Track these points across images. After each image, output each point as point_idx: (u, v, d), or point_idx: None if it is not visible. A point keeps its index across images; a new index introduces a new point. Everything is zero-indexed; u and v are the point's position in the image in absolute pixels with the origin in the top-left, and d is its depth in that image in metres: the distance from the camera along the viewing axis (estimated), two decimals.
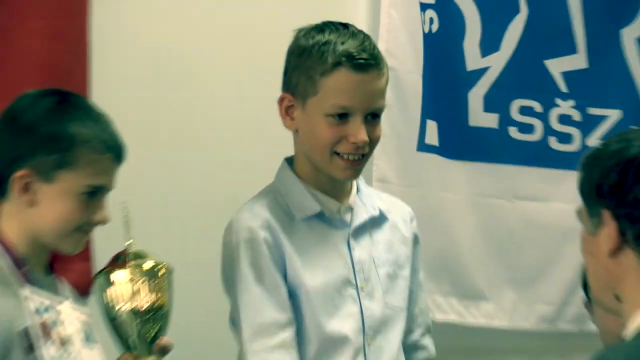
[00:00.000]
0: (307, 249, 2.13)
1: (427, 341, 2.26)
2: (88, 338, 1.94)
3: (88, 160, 1.90)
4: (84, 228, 1.95)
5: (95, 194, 1.93)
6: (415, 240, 2.26)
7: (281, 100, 2.09)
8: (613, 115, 2.86)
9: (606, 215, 1.51)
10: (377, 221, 2.17)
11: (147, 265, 1.96)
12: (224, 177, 2.60)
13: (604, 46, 2.88)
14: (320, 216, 2.12)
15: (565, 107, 2.85)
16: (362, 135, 2.03)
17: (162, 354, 1.96)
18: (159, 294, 1.97)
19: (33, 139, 1.90)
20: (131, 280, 1.94)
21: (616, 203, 1.50)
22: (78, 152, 1.90)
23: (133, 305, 1.94)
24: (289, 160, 2.17)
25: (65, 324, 1.92)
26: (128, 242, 1.95)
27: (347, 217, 2.14)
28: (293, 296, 2.13)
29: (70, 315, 1.95)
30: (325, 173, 2.11)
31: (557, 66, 2.86)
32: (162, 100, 2.68)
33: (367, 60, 2.04)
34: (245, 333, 2.10)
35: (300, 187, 2.15)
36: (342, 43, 2.05)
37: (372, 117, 2.07)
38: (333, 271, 2.10)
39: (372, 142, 2.09)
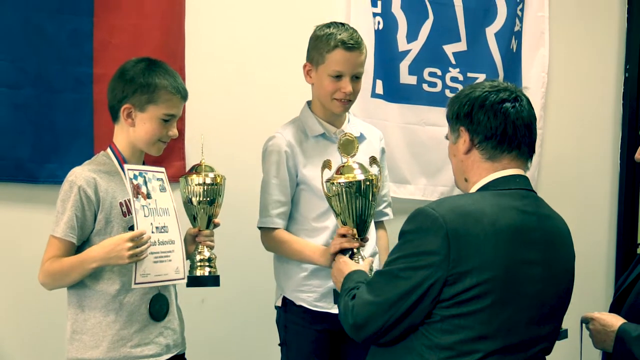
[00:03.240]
0: (313, 155, 2.64)
1: (388, 210, 2.88)
2: (161, 188, 2.38)
3: (164, 99, 2.37)
4: (162, 139, 2.41)
5: (169, 120, 2.40)
6: (383, 151, 2.80)
7: (304, 67, 2.67)
8: (481, 77, 3.63)
9: (462, 130, 1.99)
10: (359, 139, 2.57)
11: (211, 174, 2.46)
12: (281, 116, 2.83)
13: (476, 38, 3.70)
14: (323, 135, 2.67)
15: (454, 72, 3.64)
16: (349, 88, 2.59)
17: (214, 227, 2.51)
18: (216, 191, 2.46)
19: (133, 86, 2.36)
20: (200, 182, 2.44)
21: (468, 122, 1.97)
22: (159, 93, 2.36)
23: (200, 197, 2.44)
24: (309, 103, 2.74)
25: (149, 183, 2.34)
26: (201, 159, 2.48)
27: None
28: (301, 185, 2.64)
29: (154, 178, 2.38)
30: (328, 109, 2.66)
31: (449, 49, 3.65)
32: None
33: (353, 45, 2.57)
34: (260, 204, 2.68)
35: (312, 117, 2.69)
36: (340, 34, 2.57)
37: (356, 78, 2.62)
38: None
39: (355, 92, 2.63)
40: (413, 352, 1.90)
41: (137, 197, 2.27)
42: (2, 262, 2.96)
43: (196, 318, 2.83)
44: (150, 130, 2.39)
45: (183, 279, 2.37)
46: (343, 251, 2.38)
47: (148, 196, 2.31)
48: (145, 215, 2.28)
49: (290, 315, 2.70)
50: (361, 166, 2.33)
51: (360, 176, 2.29)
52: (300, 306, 2.68)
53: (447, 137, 2.07)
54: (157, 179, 2.40)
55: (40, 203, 2.87)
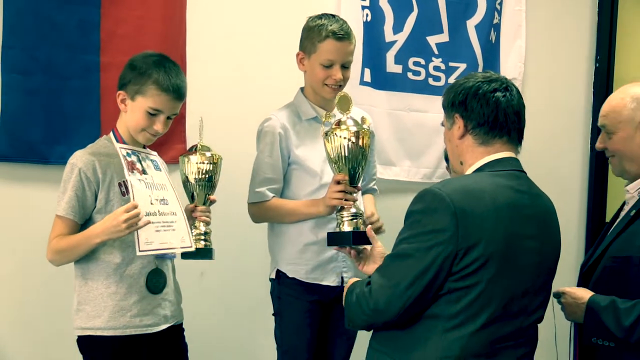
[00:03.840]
0: (306, 137, 2.73)
1: (375, 187, 3.02)
2: (156, 167, 2.47)
3: (152, 93, 2.39)
4: (148, 131, 2.44)
5: (155, 114, 2.42)
6: (372, 134, 2.76)
7: (297, 55, 2.75)
8: (462, 66, 3.76)
9: (457, 117, 2.06)
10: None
11: (208, 154, 2.54)
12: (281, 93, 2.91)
13: (457, 29, 3.79)
14: (315, 118, 2.74)
15: (437, 62, 3.74)
16: (339, 76, 2.69)
17: (210, 204, 2.59)
18: (213, 169, 2.54)
19: (132, 74, 2.41)
20: (198, 161, 2.53)
21: (462, 109, 2.05)
22: (149, 87, 2.39)
23: (198, 175, 2.53)
24: (302, 89, 2.82)
25: (144, 162, 2.42)
26: (199, 140, 2.57)
27: (332, 120, 2.60)
28: (293, 165, 2.71)
29: (147, 158, 2.46)
30: (319, 95, 2.74)
31: (432, 40, 3.75)
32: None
33: (343, 35, 2.65)
34: (252, 181, 2.75)
35: (305, 102, 2.77)
36: (331, 25, 2.65)
37: (345, 66, 2.71)
38: (320, 150, 2.63)
39: (345, 80, 2.72)
40: (420, 322, 1.97)
41: (132, 172, 2.33)
42: (17, 237, 3.06)
43: (195, 290, 2.97)
44: (135, 119, 2.42)
45: (191, 247, 2.43)
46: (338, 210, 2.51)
47: (143, 172, 2.37)
48: (144, 188, 2.35)
49: (283, 287, 2.78)
50: (355, 121, 2.46)
51: (353, 128, 2.44)
52: (293, 278, 2.75)
53: (442, 124, 2.16)
54: (151, 160, 2.46)
55: (51, 182, 2.90)
